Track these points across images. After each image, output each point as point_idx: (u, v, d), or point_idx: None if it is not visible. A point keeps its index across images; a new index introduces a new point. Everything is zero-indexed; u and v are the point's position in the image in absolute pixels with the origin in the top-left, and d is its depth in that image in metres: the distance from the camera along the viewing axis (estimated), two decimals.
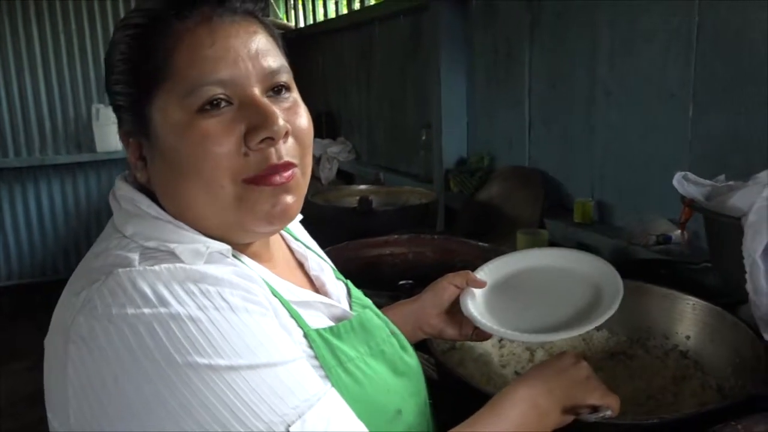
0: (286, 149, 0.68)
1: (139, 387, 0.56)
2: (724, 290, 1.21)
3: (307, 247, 0.89)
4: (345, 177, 3.71)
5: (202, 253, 0.64)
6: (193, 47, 0.66)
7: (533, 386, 0.78)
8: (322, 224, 2.08)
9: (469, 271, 1.04)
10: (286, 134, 0.68)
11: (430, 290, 1.04)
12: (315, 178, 3.77)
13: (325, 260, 0.91)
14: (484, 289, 1.04)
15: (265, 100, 0.67)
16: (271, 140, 0.66)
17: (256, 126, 0.66)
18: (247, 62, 0.67)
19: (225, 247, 0.68)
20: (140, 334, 0.57)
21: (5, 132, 4.40)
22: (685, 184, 1.11)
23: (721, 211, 1.04)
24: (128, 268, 0.61)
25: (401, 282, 1.33)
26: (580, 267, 1.06)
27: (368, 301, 0.89)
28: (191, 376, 0.56)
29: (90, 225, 4.69)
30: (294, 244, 0.88)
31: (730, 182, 1.12)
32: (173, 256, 0.64)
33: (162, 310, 0.58)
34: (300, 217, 0.94)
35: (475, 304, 1.00)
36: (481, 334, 1.02)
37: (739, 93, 1.49)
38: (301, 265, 0.86)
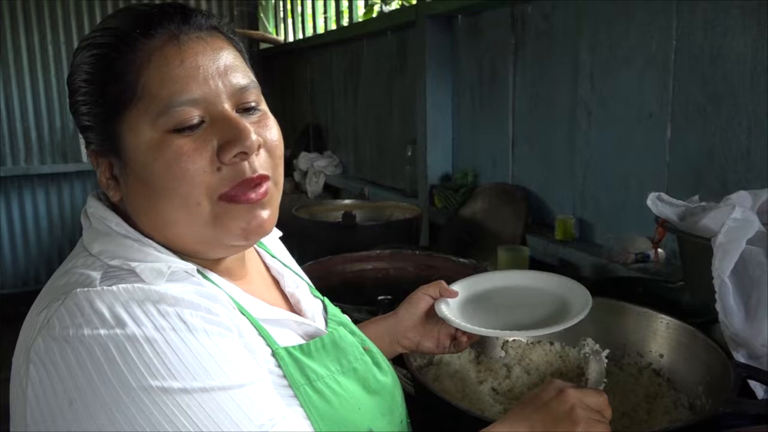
0: (260, 162, 0.69)
1: (93, 410, 0.56)
2: (699, 309, 1.23)
3: (284, 265, 0.89)
4: (332, 191, 3.72)
5: (163, 273, 0.64)
6: (162, 66, 0.65)
7: (515, 425, 0.75)
8: (306, 238, 2.09)
9: (442, 281, 1.05)
10: (258, 147, 0.69)
11: (405, 303, 1.04)
12: (301, 191, 3.79)
13: (302, 277, 0.92)
14: (457, 300, 1.06)
15: (236, 115, 0.68)
16: (245, 155, 0.67)
17: (229, 141, 0.66)
18: (216, 80, 0.67)
19: (189, 267, 0.68)
20: (96, 356, 0.57)
21: None
22: (659, 204, 1.13)
23: (693, 231, 1.06)
24: (87, 289, 0.61)
25: (380, 297, 1.34)
26: (550, 285, 1.08)
27: (345, 318, 0.89)
28: (144, 399, 0.56)
29: (74, 236, 4.66)
30: (270, 261, 0.88)
31: (703, 203, 1.14)
32: (134, 275, 0.64)
33: (118, 331, 0.57)
34: (279, 233, 0.95)
35: (449, 310, 1.02)
36: (458, 346, 1.03)
37: (714, 115, 1.52)
38: (276, 282, 0.87)
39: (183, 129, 0.66)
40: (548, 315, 0.99)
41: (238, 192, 0.67)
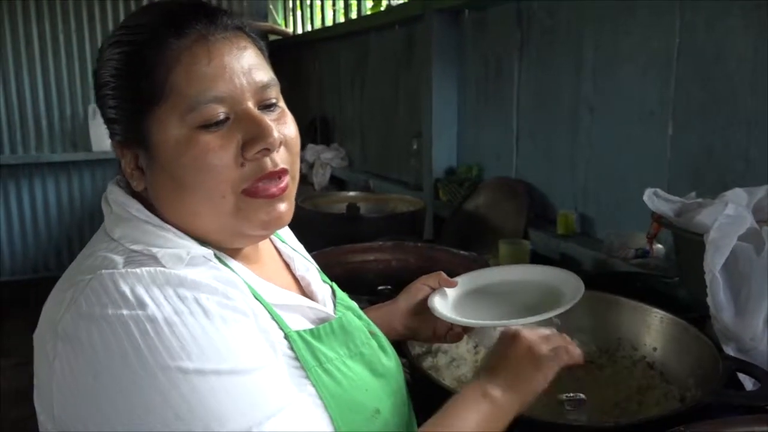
0: (280, 157, 0.73)
1: (114, 384, 0.60)
2: (694, 304, 1.25)
3: (294, 250, 0.93)
4: (338, 183, 3.75)
5: (183, 258, 0.68)
6: (191, 65, 0.69)
7: (483, 382, 0.80)
8: (311, 229, 2.12)
9: (442, 272, 1.07)
10: (280, 144, 0.72)
11: (404, 292, 1.08)
12: (308, 183, 3.82)
13: (310, 262, 0.95)
14: (454, 294, 1.08)
15: (259, 113, 0.71)
16: (267, 150, 0.71)
17: (254, 138, 0.70)
18: (241, 78, 0.71)
19: (207, 252, 0.71)
20: (118, 334, 0.60)
21: (2, 129, 4.44)
22: (655, 200, 1.15)
23: (688, 227, 1.08)
24: (112, 270, 0.64)
25: (380, 287, 1.36)
26: (544, 277, 1.10)
27: (352, 303, 0.92)
28: (161, 377, 0.59)
29: (83, 223, 4.72)
30: (281, 246, 0.92)
31: (699, 199, 1.16)
32: (155, 260, 0.67)
33: (140, 312, 0.61)
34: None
35: (443, 304, 1.04)
36: (454, 336, 1.06)
37: (715, 113, 1.53)
38: (288, 266, 0.90)
39: (209, 125, 0.69)
40: (541, 305, 1.01)
41: (260, 187, 0.71)
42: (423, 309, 1.05)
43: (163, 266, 0.66)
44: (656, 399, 1.08)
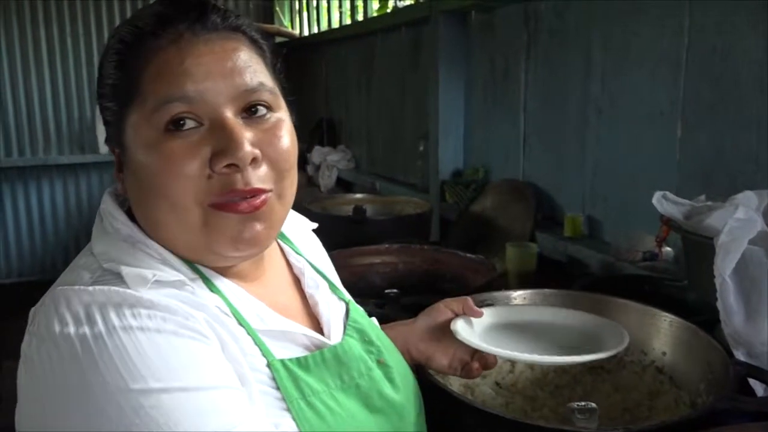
0: (257, 175, 0.66)
1: (56, 406, 0.57)
2: (703, 308, 1.23)
3: (309, 263, 0.87)
4: (344, 185, 3.75)
5: (147, 279, 0.63)
6: (162, 65, 0.65)
7: None
8: (317, 232, 2.11)
9: (468, 298, 1.00)
10: (255, 160, 0.66)
11: (424, 313, 1.00)
12: (314, 185, 3.82)
13: (325, 276, 0.89)
14: (481, 325, 1.00)
15: (235, 122, 0.66)
16: (235, 167, 0.64)
17: (221, 150, 0.64)
18: (218, 79, 0.65)
19: (181, 277, 0.67)
20: (62, 353, 0.57)
21: (10, 131, 4.47)
22: (665, 203, 1.14)
23: (697, 230, 1.07)
24: (68, 287, 0.61)
25: (387, 291, 1.35)
26: (584, 324, 1.03)
27: (366, 325, 0.84)
28: (99, 397, 0.56)
29: (90, 225, 4.56)
30: (293, 259, 0.85)
31: (709, 202, 1.15)
32: (120, 279, 0.63)
33: (87, 329, 0.57)
34: (313, 225, 0.93)
35: (468, 331, 0.95)
36: (469, 372, 0.98)
37: (724, 115, 1.52)
38: (298, 281, 0.84)
39: (178, 130, 0.65)
40: (580, 349, 0.94)
41: (228, 202, 0.66)
42: (441, 335, 0.97)
43: (126, 285, 0.62)
44: (666, 404, 1.06)
